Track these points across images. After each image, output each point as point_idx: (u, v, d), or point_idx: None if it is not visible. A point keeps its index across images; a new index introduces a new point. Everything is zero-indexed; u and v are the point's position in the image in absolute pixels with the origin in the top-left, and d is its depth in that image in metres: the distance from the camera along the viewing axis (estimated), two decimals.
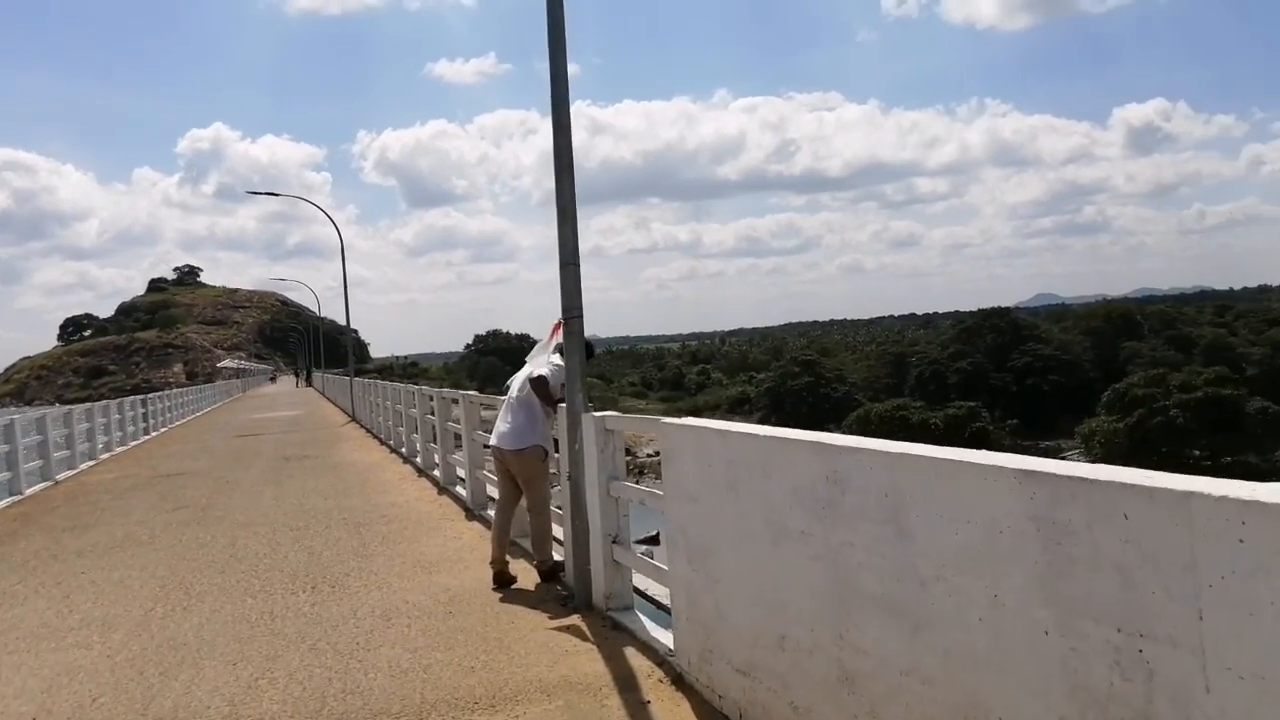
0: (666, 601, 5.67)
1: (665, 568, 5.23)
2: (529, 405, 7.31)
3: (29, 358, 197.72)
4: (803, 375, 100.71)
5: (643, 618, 5.94)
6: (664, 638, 5.34)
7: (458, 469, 12.12)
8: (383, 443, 20.25)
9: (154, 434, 27.74)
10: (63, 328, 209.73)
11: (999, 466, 2.70)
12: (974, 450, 2.94)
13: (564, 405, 6.60)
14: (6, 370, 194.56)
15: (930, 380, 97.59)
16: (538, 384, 7.20)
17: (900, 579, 3.13)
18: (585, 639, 5.72)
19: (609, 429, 6.16)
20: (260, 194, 38.09)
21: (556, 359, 7.15)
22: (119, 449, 22.56)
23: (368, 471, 15.32)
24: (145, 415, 27.50)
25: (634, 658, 5.31)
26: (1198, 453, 73.95)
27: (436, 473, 13.28)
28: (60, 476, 16.89)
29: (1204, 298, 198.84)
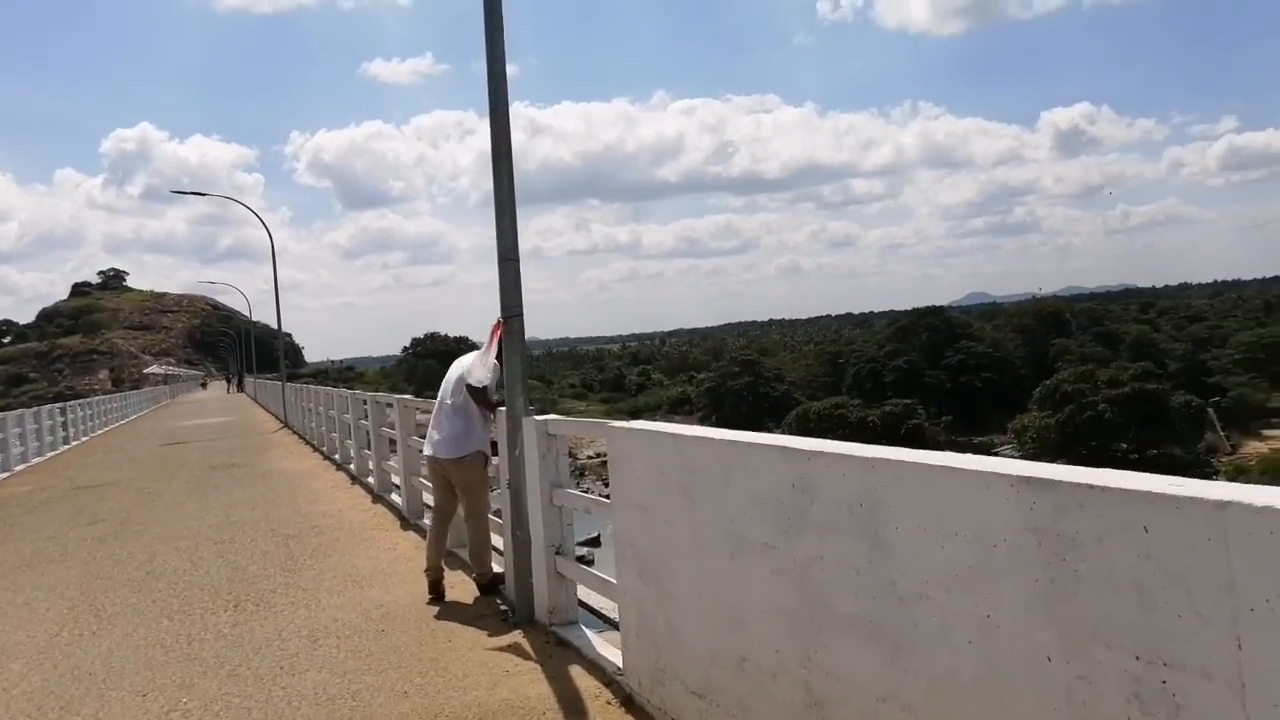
0: (614, 615, 5.36)
1: (613, 581, 4.92)
2: (465, 411, 6.94)
3: None
4: (742, 375, 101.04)
5: (589, 633, 5.60)
6: (612, 655, 5.02)
7: (392, 476, 11.68)
8: (315, 449, 19.66)
9: (74, 443, 26.76)
10: None
11: (993, 473, 2.42)
12: (962, 454, 2.66)
13: (503, 409, 6.25)
14: None
15: (867, 379, 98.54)
16: (476, 394, 6.83)
17: (877, 597, 2.84)
18: (528, 657, 5.38)
19: (552, 433, 5.82)
20: (186, 193, 37.07)
21: (491, 360, 6.77)
22: (35, 459, 21.68)
23: (298, 480, 14.78)
24: (65, 424, 26.53)
25: (580, 677, 4.98)
26: (1125, 445, 75.49)
27: (370, 480, 12.82)
28: None
29: (1129, 295, 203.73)
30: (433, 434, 7.11)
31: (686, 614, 4.00)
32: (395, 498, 11.36)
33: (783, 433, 76.16)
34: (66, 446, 25.77)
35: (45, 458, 22.64)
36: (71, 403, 29.77)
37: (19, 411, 22.23)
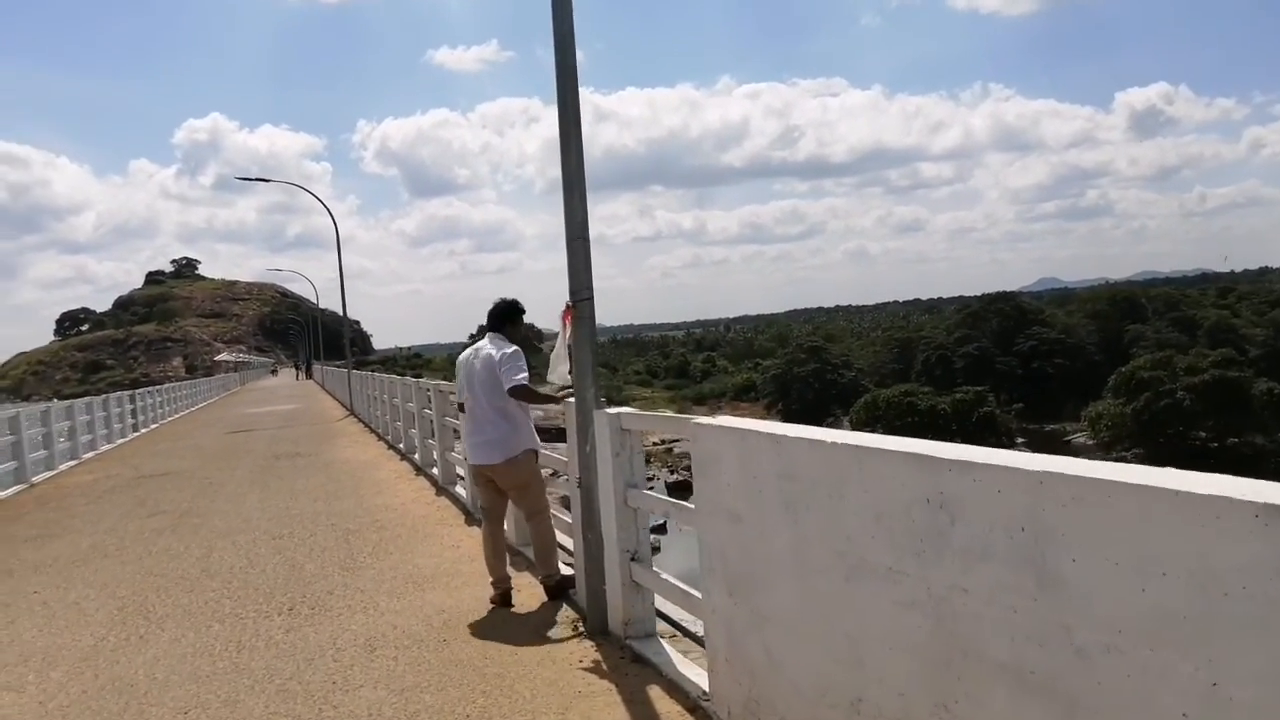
0: (697, 629, 4.85)
1: (697, 594, 4.40)
2: (505, 411, 6.46)
3: (25, 353, 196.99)
4: (809, 362, 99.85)
5: (668, 648, 5.09)
6: (696, 677, 4.50)
7: (457, 467, 11.29)
8: (380, 438, 19.43)
9: (143, 431, 26.89)
10: (59, 322, 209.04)
11: (1224, 497, 1.84)
12: (1168, 469, 2.08)
13: (572, 399, 5.75)
14: (3, 366, 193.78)
15: (937, 365, 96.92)
16: (522, 394, 6.36)
17: (1044, 644, 2.28)
18: (602, 675, 4.88)
19: (626, 429, 5.30)
20: (252, 180, 37.05)
21: (564, 351, 6.21)
22: (105, 447, 21.73)
23: (362, 470, 14.48)
24: (134, 412, 26.66)
25: (660, 700, 4.47)
26: (1204, 435, 73.36)
27: (435, 471, 12.45)
28: (36, 479, 16.05)
29: (1205, 281, 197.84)
30: (473, 438, 6.61)
31: (788, 641, 3.47)
32: (460, 490, 10.96)
33: (849, 419, 74.83)
34: (136, 434, 25.88)
35: (115, 444, 22.70)
36: (141, 390, 29.96)
37: (88, 399, 22.28)
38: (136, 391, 28.72)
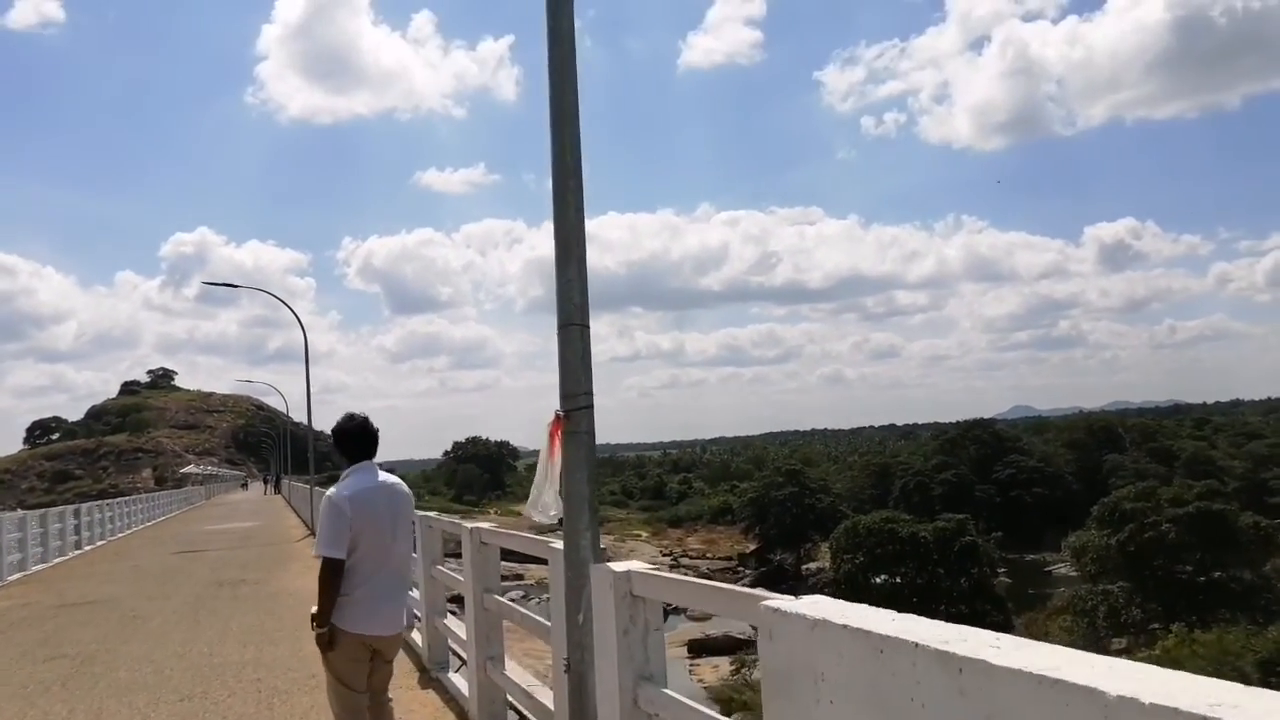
0: None
1: None
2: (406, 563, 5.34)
3: None
4: (786, 485, 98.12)
5: None
6: None
7: (414, 609, 9.65)
8: None
9: (87, 549, 24.92)
10: (29, 430, 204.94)
11: None
12: None
13: (562, 548, 4.27)
14: None
15: (915, 491, 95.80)
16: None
17: None
18: None
19: (638, 595, 3.75)
20: (220, 285, 36.07)
21: (556, 473, 4.62)
22: (37, 567, 19.84)
23: (308, 605, 12.73)
24: (78, 528, 24.74)
25: None
26: (1189, 568, 71.86)
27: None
28: None
29: (1178, 411, 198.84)
30: (383, 605, 5.02)
31: None
32: (415, 636, 9.32)
33: (829, 545, 72.82)
34: (78, 551, 23.96)
35: (51, 563, 20.84)
36: (89, 504, 28.05)
37: (21, 514, 20.49)
38: (83, 506, 26.82)
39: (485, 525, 6.52)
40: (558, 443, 4.35)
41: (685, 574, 4.55)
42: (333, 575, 4.81)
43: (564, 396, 4.23)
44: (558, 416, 4.27)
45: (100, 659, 9.48)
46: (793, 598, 2.58)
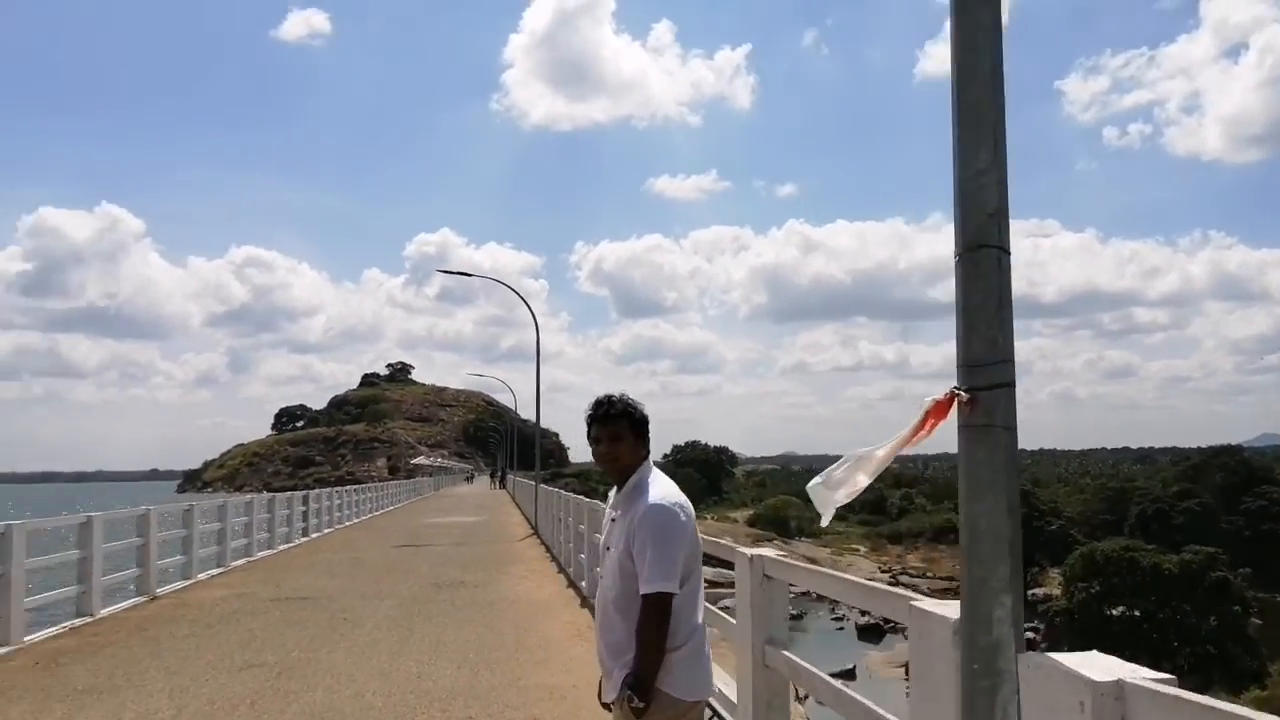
0: None
1: None
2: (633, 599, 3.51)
3: (243, 445, 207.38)
4: None
5: None
6: None
7: None
8: (561, 569, 16.41)
9: (313, 536, 24.78)
10: (277, 417, 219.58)
11: None
12: None
13: (934, 610, 2.45)
14: (223, 456, 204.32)
15: (1154, 519, 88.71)
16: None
17: None
18: None
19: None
20: (456, 273, 35.81)
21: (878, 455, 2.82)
22: (262, 553, 19.49)
23: (530, 618, 11.35)
24: (305, 514, 24.65)
25: None
26: None
27: None
28: (162, 590, 13.69)
29: None
30: (709, 662, 3.56)
31: None
32: None
33: (1062, 573, 68.06)
34: (304, 539, 23.79)
35: (275, 550, 20.54)
36: (317, 491, 28.10)
37: (249, 498, 20.24)
38: (311, 493, 26.83)
39: (770, 553, 4.72)
40: (926, 431, 2.51)
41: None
42: (666, 618, 3.31)
43: (967, 366, 2.37)
44: (953, 396, 2.42)
45: (299, 671, 8.27)
46: None
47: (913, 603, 2.78)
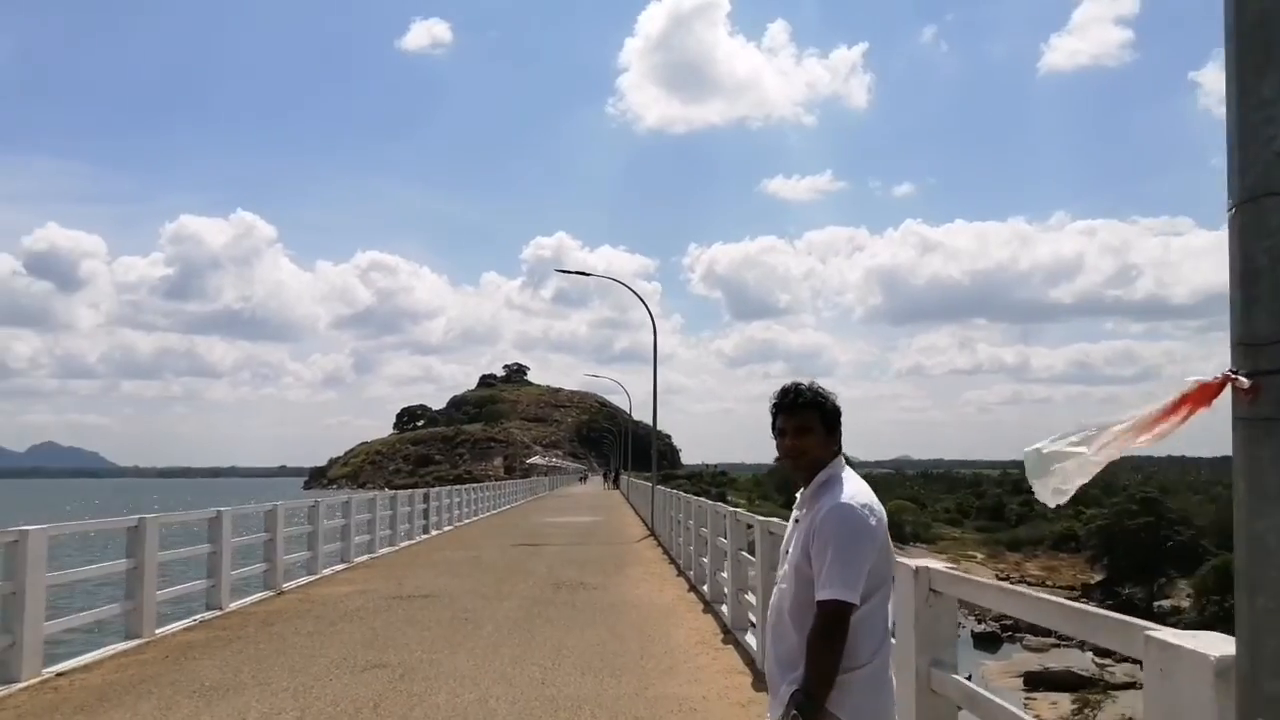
0: None
1: None
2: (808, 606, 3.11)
3: (366, 443, 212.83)
4: (1141, 514, 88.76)
5: None
6: None
7: None
8: (680, 572, 16.08)
9: (434, 533, 25.00)
10: (399, 417, 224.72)
11: None
12: None
13: (1171, 640, 2.02)
14: (346, 454, 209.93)
15: None
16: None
17: None
18: None
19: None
20: (570, 272, 35.81)
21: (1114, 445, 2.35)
22: (384, 550, 19.67)
23: (653, 623, 11.04)
24: (426, 512, 24.87)
25: None
26: None
27: (754, 641, 8.86)
28: (288, 585, 13.82)
29: None
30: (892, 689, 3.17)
31: None
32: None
33: (1195, 585, 65.21)
34: (425, 536, 24.01)
35: (397, 547, 20.72)
36: (437, 489, 28.36)
37: (372, 495, 20.43)
38: (431, 490, 27.08)
39: (938, 565, 4.24)
40: (1180, 419, 2.07)
41: None
42: (843, 632, 2.93)
43: (1245, 345, 1.92)
44: (1225, 380, 1.98)
45: (421, 673, 8.12)
46: None
47: (1150, 633, 2.30)
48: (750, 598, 9.82)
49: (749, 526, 9.99)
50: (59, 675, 8.16)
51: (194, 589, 11.51)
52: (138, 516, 9.98)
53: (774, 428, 3.30)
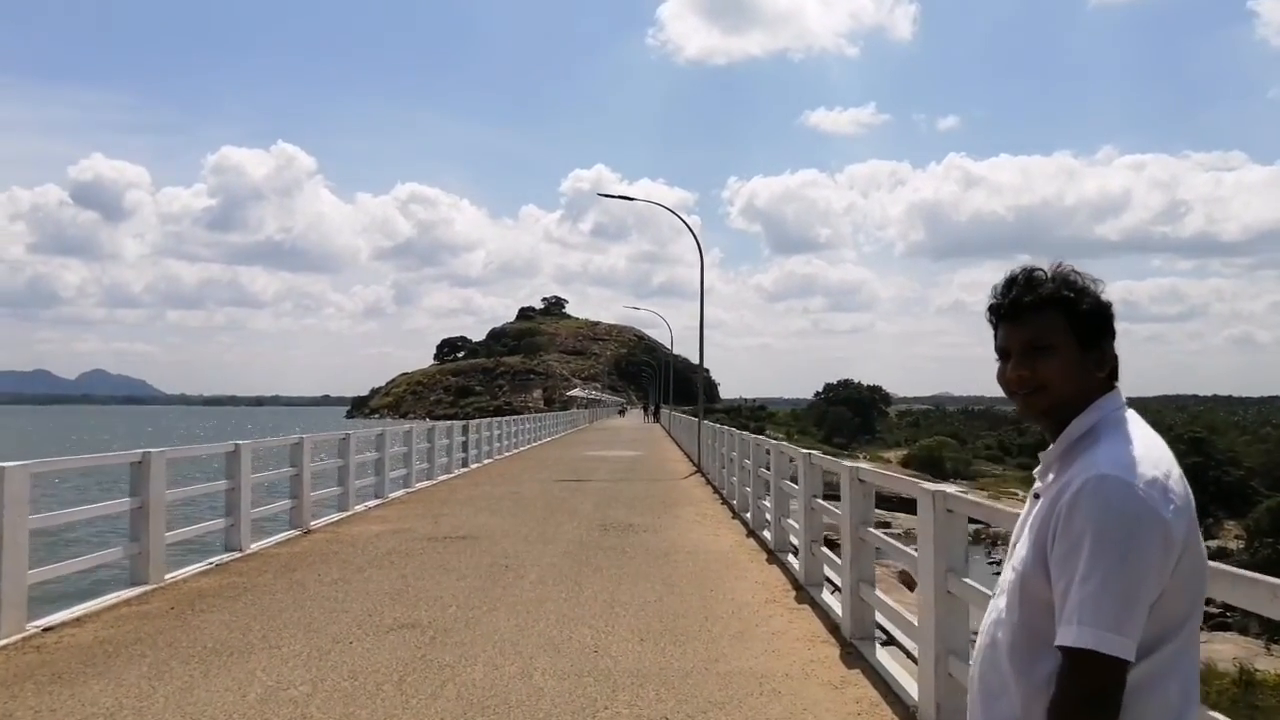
0: None
1: None
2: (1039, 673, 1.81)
3: (407, 374, 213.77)
4: (1189, 455, 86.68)
5: None
6: None
7: (885, 602, 6.50)
8: (735, 514, 14.96)
9: (473, 466, 24.07)
10: (439, 348, 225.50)
11: None
12: None
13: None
14: (388, 384, 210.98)
15: None
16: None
17: None
18: None
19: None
20: (613, 197, 34.22)
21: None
22: (421, 484, 18.73)
23: (712, 573, 9.89)
24: (465, 444, 23.89)
25: None
26: None
27: (834, 603, 7.71)
28: (315, 523, 12.86)
29: None
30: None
31: None
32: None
33: (1246, 526, 63.67)
34: (464, 469, 23.07)
35: (435, 481, 19.79)
36: (477, 421, 27.38)
37: (409, 427, 19.42)
38: (471, 422, 26.09)
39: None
40: None
41: None
42: (1107, 704, 1.65)
43: None
44: None
45: (455, 636, 7.03)
46: None
47: None
48: (826, 550, 8.68)
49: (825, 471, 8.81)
50: (46, 631, 7.18)
51: (210, 529, 10.55)
52: (140, 451, 8.94)
53: (996, 347, 2.07)
